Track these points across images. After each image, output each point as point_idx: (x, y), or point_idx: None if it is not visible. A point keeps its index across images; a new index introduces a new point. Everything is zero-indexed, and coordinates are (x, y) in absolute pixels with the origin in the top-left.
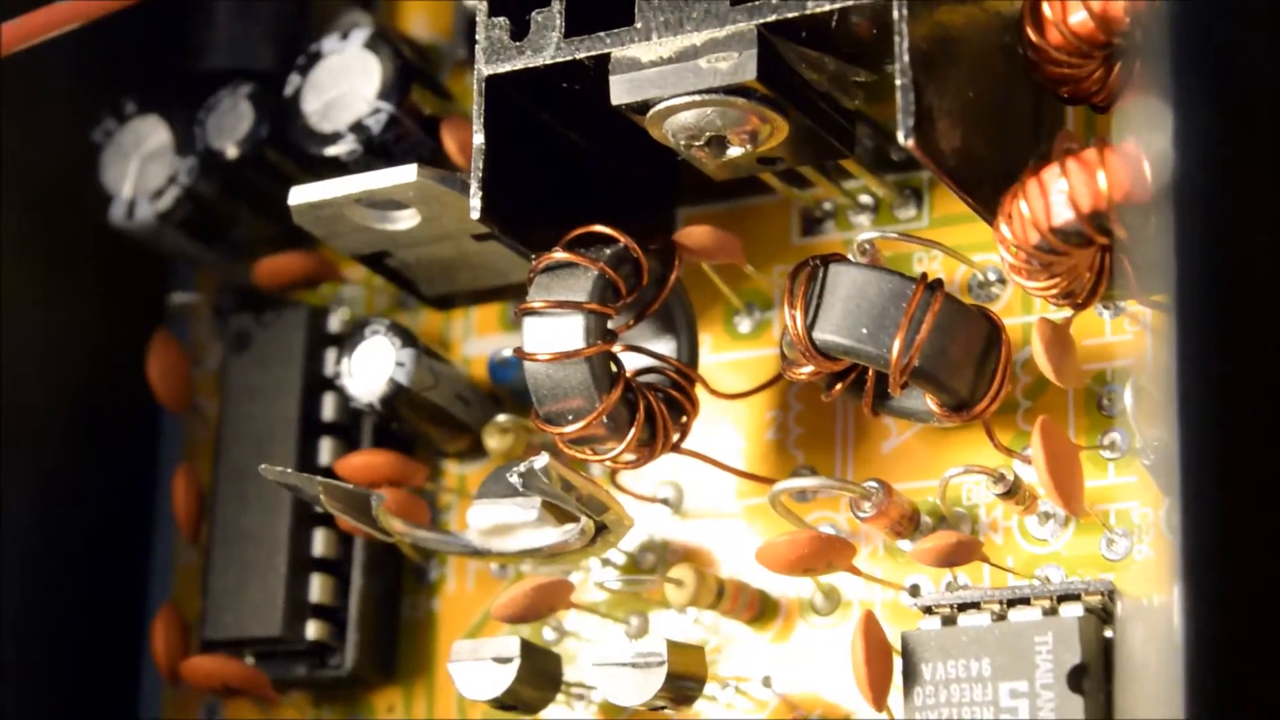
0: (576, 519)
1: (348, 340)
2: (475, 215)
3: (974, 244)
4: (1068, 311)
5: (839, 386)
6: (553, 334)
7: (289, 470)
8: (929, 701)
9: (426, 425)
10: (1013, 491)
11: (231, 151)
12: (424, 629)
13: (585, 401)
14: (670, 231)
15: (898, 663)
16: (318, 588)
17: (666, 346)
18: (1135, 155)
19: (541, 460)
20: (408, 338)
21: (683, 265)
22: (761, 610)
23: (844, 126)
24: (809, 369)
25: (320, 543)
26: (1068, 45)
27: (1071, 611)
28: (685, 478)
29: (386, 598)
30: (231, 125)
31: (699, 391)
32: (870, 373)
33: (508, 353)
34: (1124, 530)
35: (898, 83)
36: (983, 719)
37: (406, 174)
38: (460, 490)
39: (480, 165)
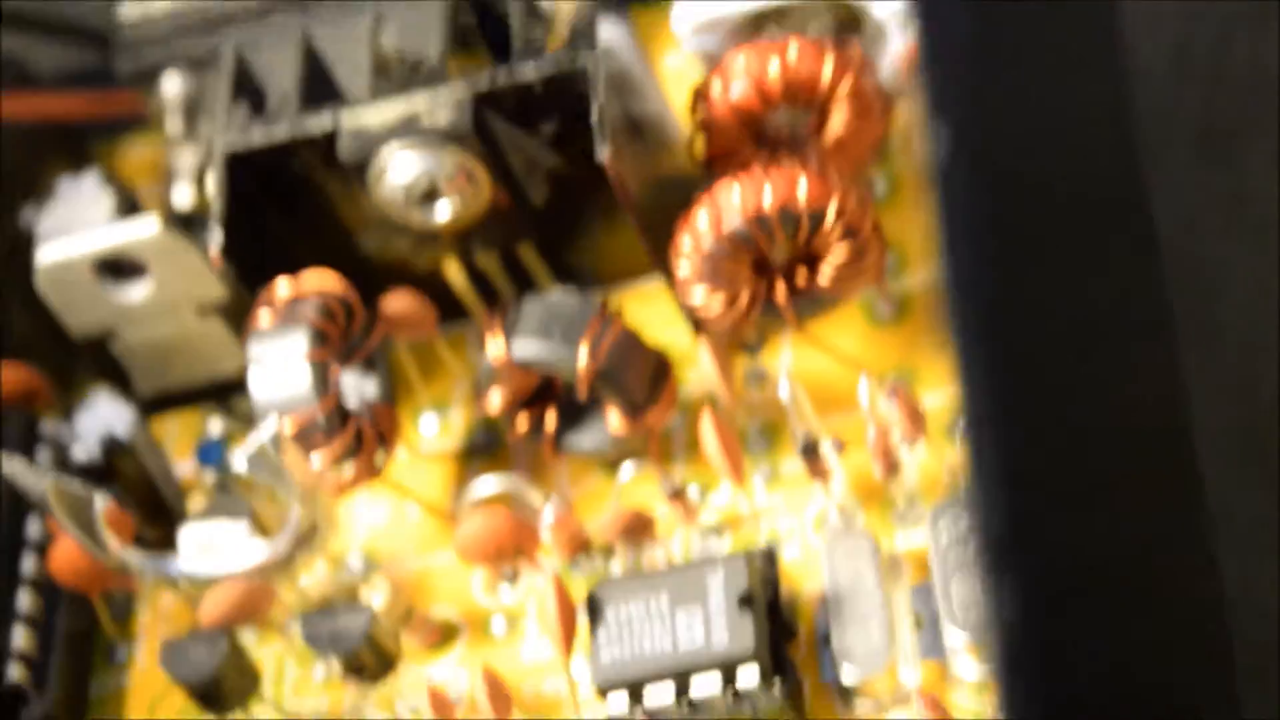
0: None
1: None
2: (214, 250)
3: None
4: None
5: (523, 421)
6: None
7: (21, 461)
8: (612, 637)
9: (134, 497)
10: (678, 494)
11: None
12: (113, 704)
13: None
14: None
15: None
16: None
17: (369, 386)
18: (792, 176)
19: (270, 425)
20: (128, 400)
21: (385, 326)
22: (440, 639)
23: (528, 216)
24: (501, 397)
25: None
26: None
27: (739, 558)
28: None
29: (81, 670)
30: None
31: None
32: (553, 410)
33: (217, 428)
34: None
35: (594, 110)
36: (663, 646)
37: (151, 227)
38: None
39: (220, 216)
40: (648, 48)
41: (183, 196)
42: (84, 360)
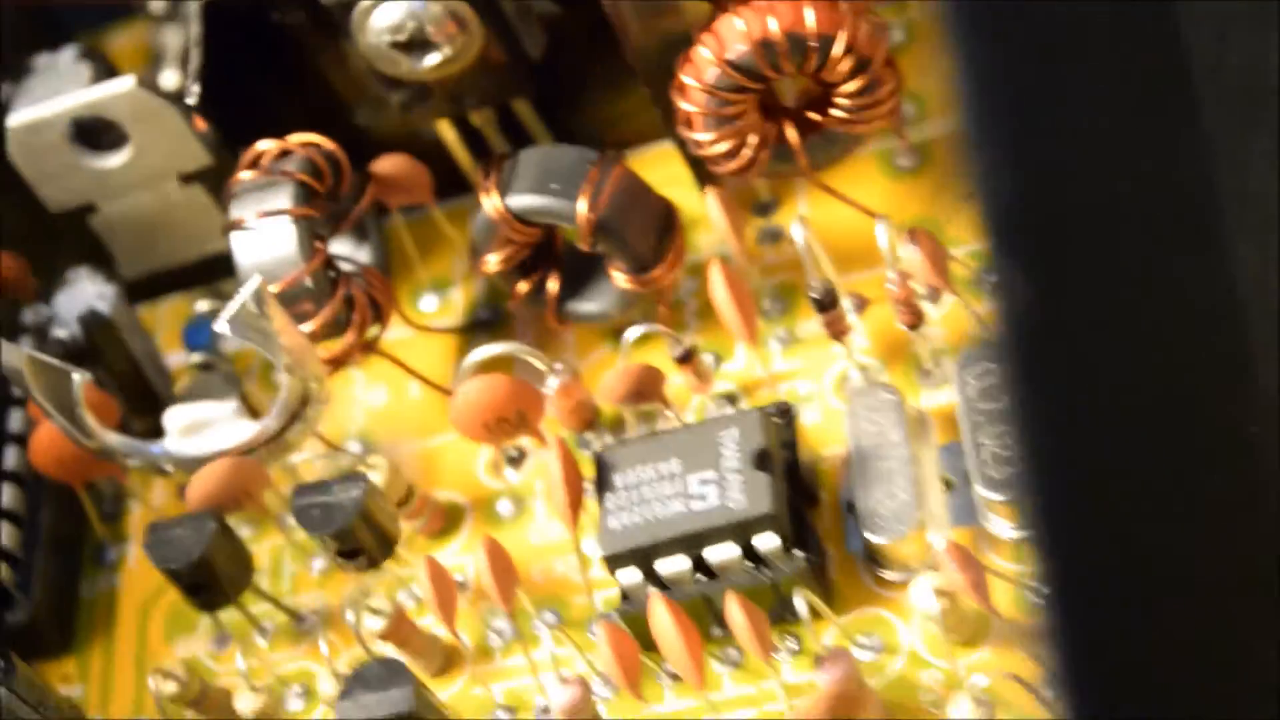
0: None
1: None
2: (191, 100)
3: None
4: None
5: (524, 287)
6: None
7: None
8: (620, 504)
9: (120, 380)
10: (689, 357)
11: None
12: (103, 606)
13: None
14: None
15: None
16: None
17: (362, 257)
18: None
19: (253, 282)
20: (109, 277)
21: (376, 188)
22: (446, 526)
23: (524, 68)
24: (497, 257)
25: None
26: None
27: (753, 413)
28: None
29: (69, 570)
30: None
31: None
32: (556, 276)
33: (204, 306)
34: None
35: None
36: (675, 509)
37: (125, 83)
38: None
39: (198, 64)
40: None
41: (169, 80)
42: (66, 244)
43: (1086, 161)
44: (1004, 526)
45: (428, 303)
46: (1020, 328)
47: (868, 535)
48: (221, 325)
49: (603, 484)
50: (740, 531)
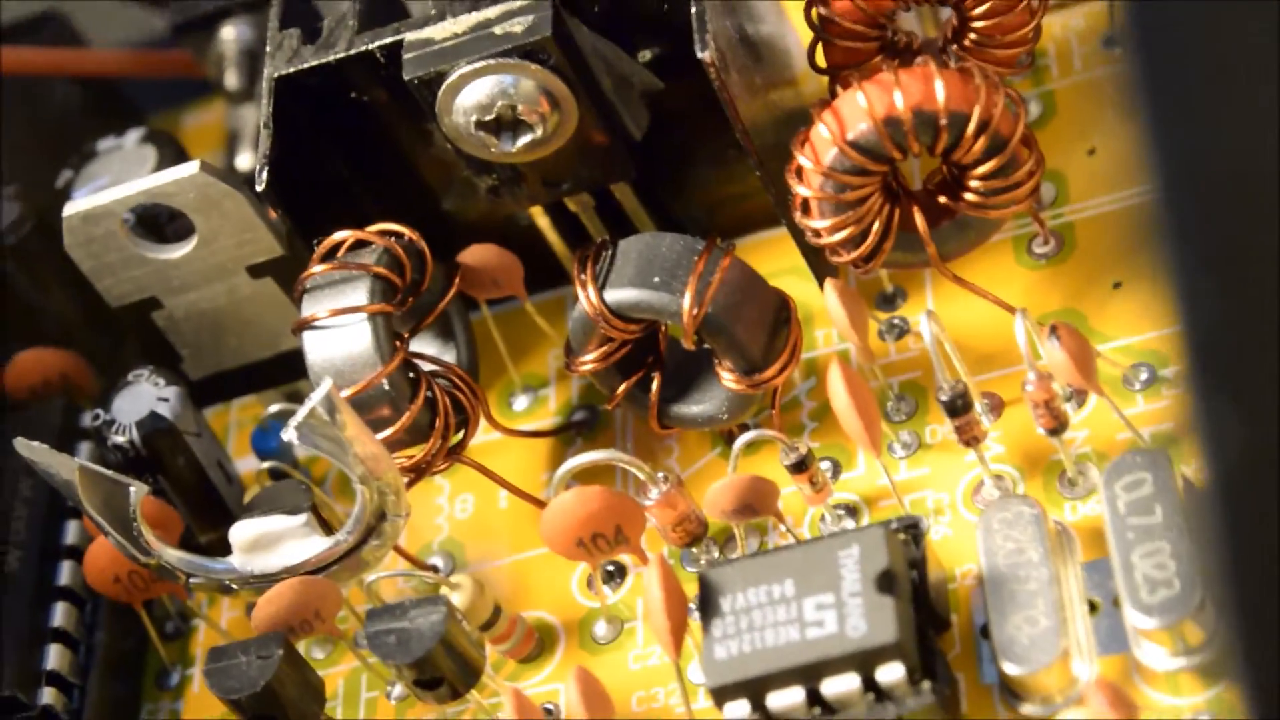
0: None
1: (108, 392)
2: (259, 186)
3: None
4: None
5: (623, 388)
6: (340, 342)
7: (45, 447)
8: (729, 631)
9: (182, 491)
10: (804, 465)
11: None
12: None
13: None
14: None
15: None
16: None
17: (447, 356)
18: (928, 74)
19: (324, 386)
20: (172, 378)
21: (463, 280)
22: (537, 650)
23: (624, 148)
24: (593, 356)
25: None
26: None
27: (875, 529)
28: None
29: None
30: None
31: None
32: (658, 376)
33: (275, 409)
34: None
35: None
36: (788, 637)
37: (189, 169)
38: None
39: (267, 147)
40: None
41: (245, 161)
42: (127, 341)
43: None
44: (1159, 655)
45: (519, 404)
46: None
47: (1004, 665)
48: (290, 433)
49: (708, 607)
50: (862, 662)
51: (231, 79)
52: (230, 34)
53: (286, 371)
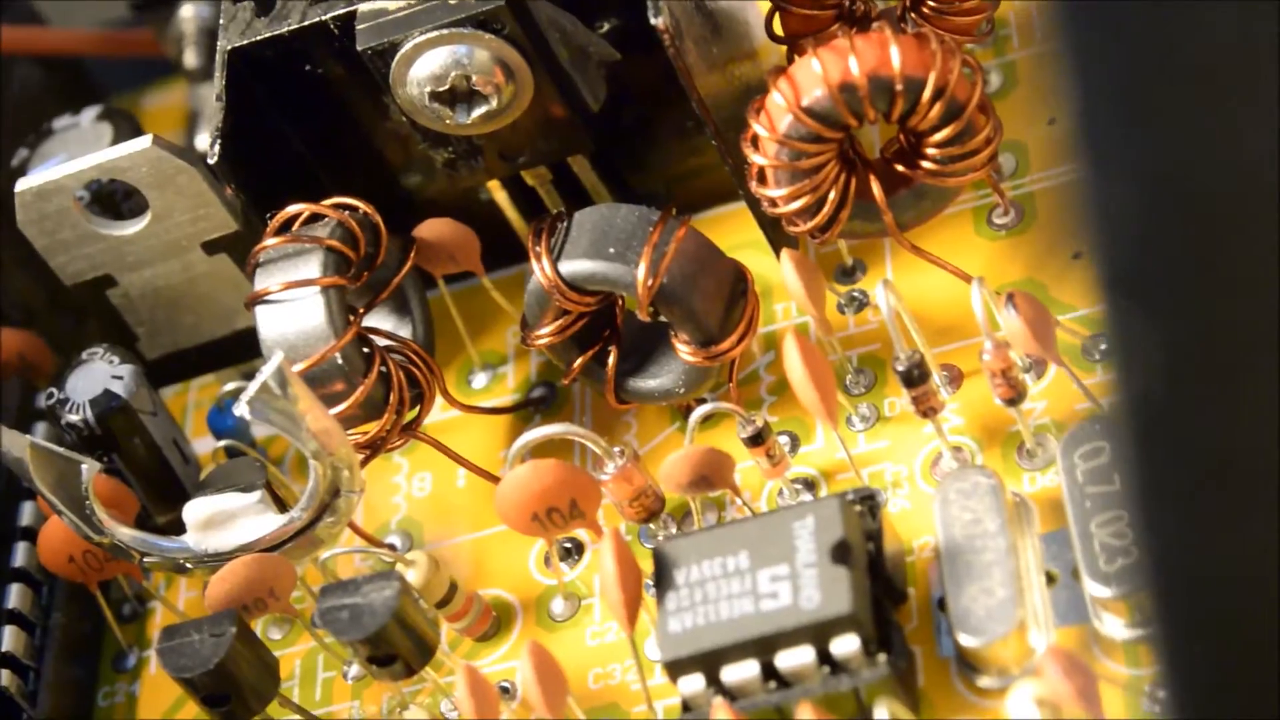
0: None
1: (63, 371)
2: (212, 160)
3: None
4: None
5: (579, 361)
6: (293, 317)
7: None
8: (683, 604)
9: (138, 470)
10: (761, 438)
11: None
12: (121, 717)
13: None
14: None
15: None
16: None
17: (403, 332)
18: (883, 40)
19: (275, 360)
20: (127, 356)
21: (419, 255)
22: (494, 628)
23: (581, 121)
24: (549, 329)
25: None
26: None
27: (831, 500)
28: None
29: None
30: None
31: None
32: (615, 350)
33: (230, 387)
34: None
35: None
36: (743, 609)
37: (141, 143)
38: None
39: (219, 121)
40: None
41: (205, 140)
42: (81, 320)
43: (1227, 200)
44: (1117, 626)
45: (477, 381)
46: (1143, 401)
47: (961, 637)
48: (241, 408)
49: (663, 581)
50: (816, 634)
51: (191, 58)
52: (189, 12)
53: (244, 349)
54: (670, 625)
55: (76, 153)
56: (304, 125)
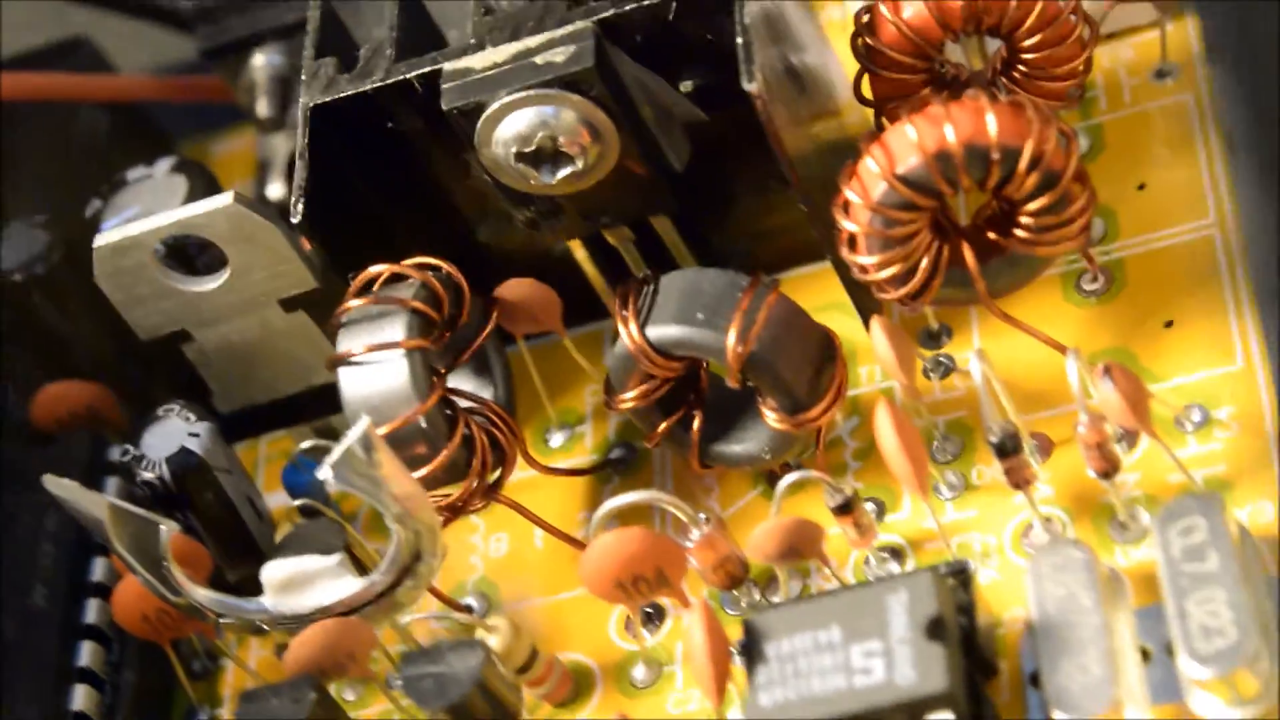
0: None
1: (137, 427)
2: (295, 218)
3: None
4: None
5: (664, 426)
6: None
7: (75, 484)
8: (774, 678)
9: (212, 528)
10: (849, 507)
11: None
12: None
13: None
14: None
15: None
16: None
17: (484, 392)
18: (979, 108)
19: (360, 425)
20: (203, 413)
21: (501, 315)
22: (574, 693)
23: (665, 181)
24: (634, 394)
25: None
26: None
27: (924, 573)
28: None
29: None
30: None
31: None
32: (700, 414)
33: (307, 444)
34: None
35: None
36: (835, 685)
37: (222, 200)
38: None
39: (303, 179)
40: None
41: (276, 191)
42: (157, 375)
43: None
44: (1214, 705)
45: (555, 441)
46: None
47: (1056, 714)
48: (324, 472)
49: (752, 653)
50: (911, 710)
51: (263, 107)
52: (261, 61)
53: (318, 406)
54: (761, 699)
55: (151, 205)
56: (383, 182)
